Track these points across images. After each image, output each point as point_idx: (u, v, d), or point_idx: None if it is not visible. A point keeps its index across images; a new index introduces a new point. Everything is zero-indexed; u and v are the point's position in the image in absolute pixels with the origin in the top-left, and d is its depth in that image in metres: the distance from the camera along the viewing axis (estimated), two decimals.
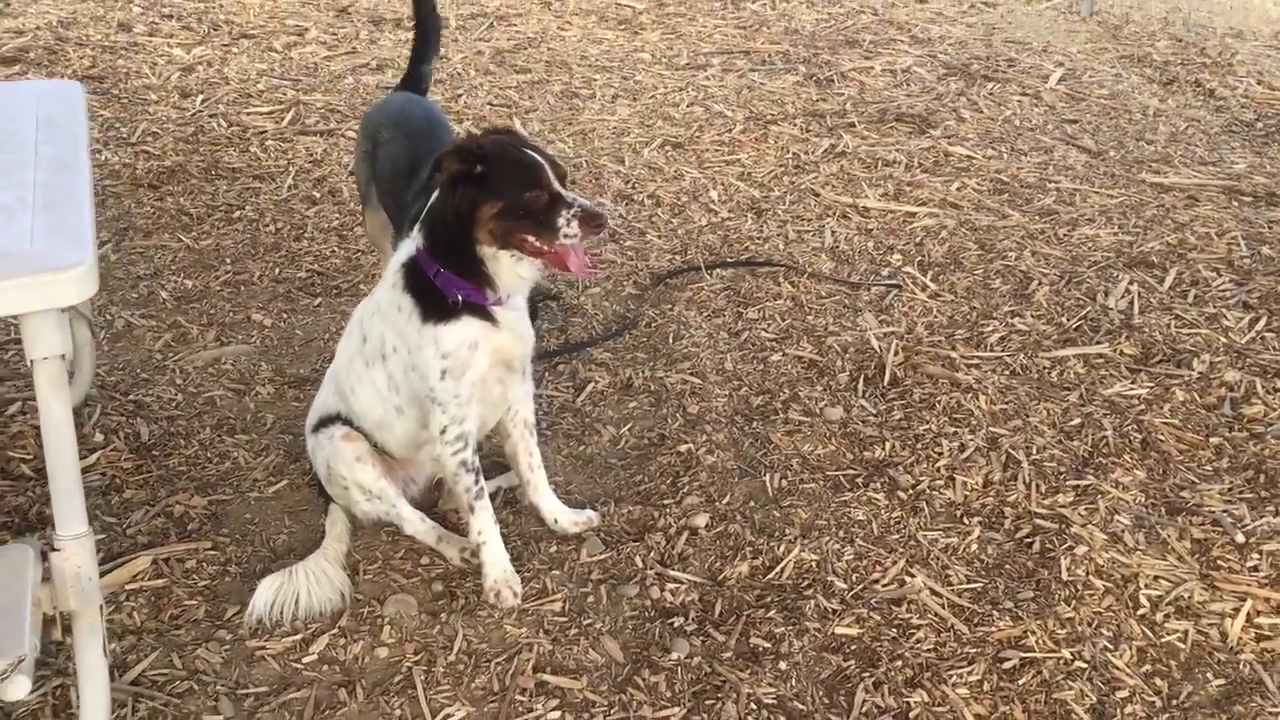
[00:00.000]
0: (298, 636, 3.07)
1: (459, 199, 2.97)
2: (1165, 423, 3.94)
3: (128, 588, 3.17)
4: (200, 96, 6.38)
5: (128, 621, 3.08)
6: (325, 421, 3.38)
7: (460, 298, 3.04)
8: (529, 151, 3.05)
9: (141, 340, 4.28)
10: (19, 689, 2.33)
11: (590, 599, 3.23)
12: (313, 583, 3.16)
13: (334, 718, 2.86)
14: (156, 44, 7.13)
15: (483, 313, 3.08)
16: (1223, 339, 4.42)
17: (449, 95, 6.55)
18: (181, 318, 4.43)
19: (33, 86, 3.20)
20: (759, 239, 5.13)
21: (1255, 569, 3.34)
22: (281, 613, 3.11)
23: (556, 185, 2.99)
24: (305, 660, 3.01)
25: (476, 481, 3.22)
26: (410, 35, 4.54)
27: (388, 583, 3.27)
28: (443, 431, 3.15)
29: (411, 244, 3.12)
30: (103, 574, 3.18)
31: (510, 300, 3.11)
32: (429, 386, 3.11)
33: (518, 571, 3.28)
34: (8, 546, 2.71)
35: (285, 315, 4.49)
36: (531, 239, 2.99)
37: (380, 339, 3.18)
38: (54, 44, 6.97)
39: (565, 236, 2.97)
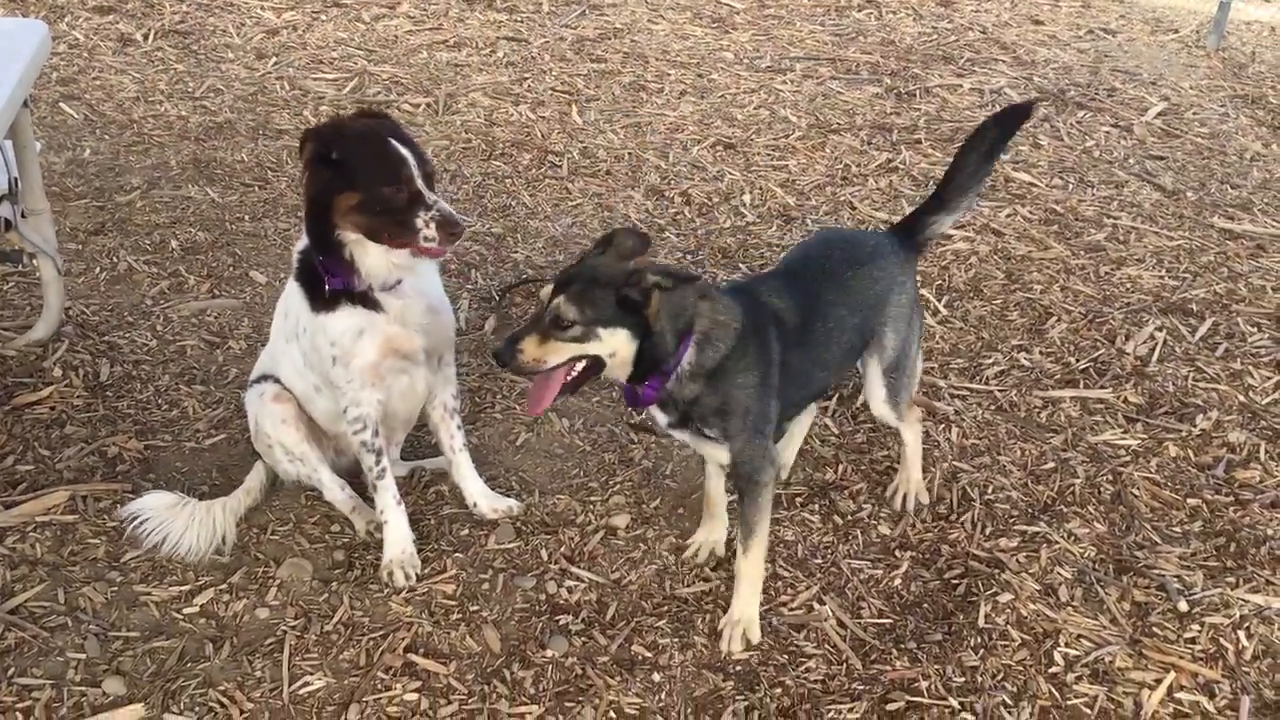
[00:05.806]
0: (186, 587, 3.10)
1: (314, 182, 2.89)
2: (1146, 477, 3.70)
3: (38, 519, 3.24)
4: (274, 59, 6.52)
5: (29, 552, 3.15)
6: (263, 378, 3.40)
7: (337, 286, 2.98)
8: (396, 144, 2.90)
9: (139, 285, 4.38)
10: None
11: (485, 586, 3.17)
12: (195, 522, 3.19)
13: (194, 670, 2.86)
14: (250, 5, 7.32)
15: (367, 301, 3.00)
16: (1240, 397, 4.12)
17: (515, 78, 6.56)
18: (183, 267, 4.52)
19: None
20: (778, 246, 4.99)
21: (1192, 641, 3.09)
22: (150, 535, 3.16)
23: (419, 183, 2.87)
24: (186, 611, 3.03)
25: (379, 461, 3.19)
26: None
27: (291, 545, 3.27)
28: (345, 411, 3.15)
29: None
30: (18, 505, 3.28)
31: (400, 287, 3.02)
32: (325, 370, 3.10)
33: (422, 550, 3.25)
34: None
35: (283, 276, 4.52)
36: (388, 236, 2.90)
37: (295, 318, 3.18)
38: None
39: (425, 240, 2.87)
